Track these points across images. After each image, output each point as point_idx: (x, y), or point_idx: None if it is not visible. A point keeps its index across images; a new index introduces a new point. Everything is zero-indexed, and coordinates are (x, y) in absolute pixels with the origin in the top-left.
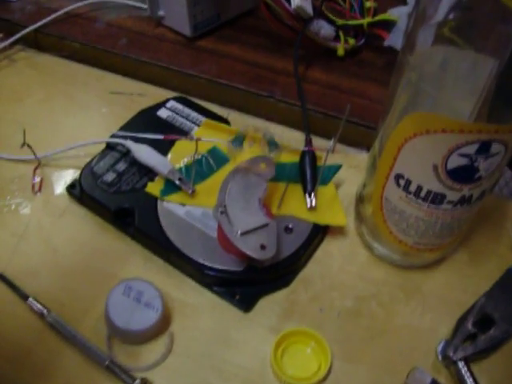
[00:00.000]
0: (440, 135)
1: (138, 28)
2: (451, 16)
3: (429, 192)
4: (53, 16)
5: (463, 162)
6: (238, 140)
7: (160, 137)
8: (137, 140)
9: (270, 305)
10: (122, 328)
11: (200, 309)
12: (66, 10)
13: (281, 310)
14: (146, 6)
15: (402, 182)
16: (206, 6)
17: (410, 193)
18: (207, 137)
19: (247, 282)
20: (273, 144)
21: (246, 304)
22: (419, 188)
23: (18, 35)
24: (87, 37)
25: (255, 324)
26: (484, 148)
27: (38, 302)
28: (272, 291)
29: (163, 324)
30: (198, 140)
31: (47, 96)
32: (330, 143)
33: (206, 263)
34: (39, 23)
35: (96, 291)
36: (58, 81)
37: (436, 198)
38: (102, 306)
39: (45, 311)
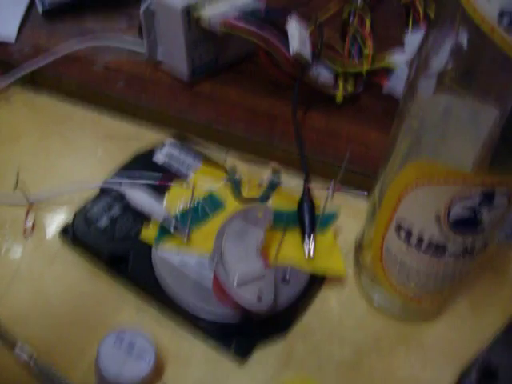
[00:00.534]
0: (442, 185)
1: (136, 71)
2: (453, 65)
3: (430, 243)
4: (51, 58)
5: (466, 213)
6: (235, 184)
7: (155, 183)
8: (131, 185)
9: (266, 356)
10: (113, 380)
11: (194, 359)
12: (63, 51)
13: (277, 362)
14: (143, 50)
15: (402, 233)
16: (204, 50)
17: (411, 244)
18: (203, 182)
19: (243, 333)
20: (270, 188)
21: (242, 355)
22: (421, 239)
23: (15, 76)
24: (85, 79)
25: (251, 376)
26: (487, 199)
27: (25, 348)
28: (269, 343)
29: (155, 375)
30: (193, 187)
31: (43, 137)
32: (329, 191)
33: (201, 314)
34: (37, 65)
35: (86, 340)
36: (54, 122)
37: (438, 250)
38: (91, 355)
39: (32, 359)
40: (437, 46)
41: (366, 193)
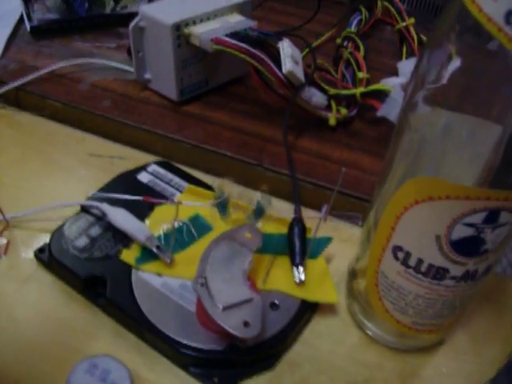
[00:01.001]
0: (444, 202)
1: (123, 90)
2: (451, 81)
3: (430, 266)
4: (36, 74)
5: (469, 232)
6: (222, 205)
7: (139, 198)
8: (114, 203)
9: None
10: None
11: None
12: (50, 69)
13: None
14: (132, 69)
15: (400, 255)
16: (194, 70)
17: (409, 267)
18: (190, 202)
19: (227, 364)
20: (259, 211)
21: None
22: (420, 261)
23: None
24: (70, 97)
25: None
26: (492, 217)
27: None
28: (255, 374)
29: None
30: (179, 203)
31: (24, 155)
32: (322, 212)
33: (183, 340)
34: (21, 81)
35: (57, 368)
36: (37, 140)
37: (438, 273)
38: None
39: None
40: (434, 62)
41: (360, 219)
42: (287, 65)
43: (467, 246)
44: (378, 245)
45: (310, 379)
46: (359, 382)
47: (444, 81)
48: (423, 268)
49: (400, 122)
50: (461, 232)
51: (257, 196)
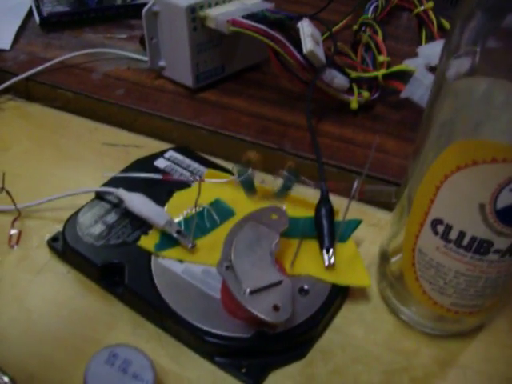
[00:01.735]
0: (489, 166)
1: (137, 79)
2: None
3: (473, 239)
4: (46, 65)
5: None
6: (248, 181)
7: (158, 177)
8: (130, 189)
9: (282, 379)
10: None
11: (199, 383)
12: (60, 58)
13: None
14: (146, 58)
15: (440, 229)
16: (210, 55)
17: (449, 241)
18: (210, 187)
19: (256, 352)
20: (287, 185)
21: (255, 378)
22: (461, 234)
23: (8, 83)
24: (82, 87)
25: None
26: None
27: (2, 373)
28: (285, 363)
29: None
30: (201, 181)
31: (35, 146)
32: (353, 187)
33: (207, 329)
34: (31, 71)
35: (74, 360)
36: (49, 131)
37: (481, 247)
38: (79, 377)
39: (8, 383)
40: (467, 28)
41: (392, 195)
42: (308, 44)
43: None
44: (414, 220)
45: (344, 368)
46: (397, 370)
47: (479, 47)
48: (465, 241)
49: (437, 86)
50: (507, 199)
51: (284, 172)
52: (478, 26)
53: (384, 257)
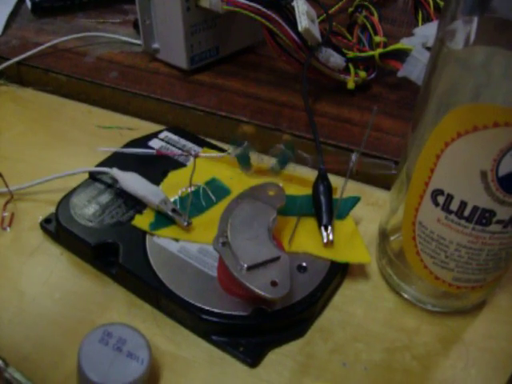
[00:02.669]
0: (491, 131)
1: (131, 62)
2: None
3: (475, 209)
4: (38, 48)
5: None
6: (244, 155)
7: (152, 152)
8: (124, 169)
9: (281, 358)
10: (98, 383)
11: (196, 363)
12: (52, 42)
13: (295, 365)
14: (139, 42)
15: (440, 200)
16: (204, 37)
17: (450, 212)
18: (205, 165)
19: (254, 330)
20: (284, 159)
21: (253, 357)
22: (463, 204)
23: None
24: (74, 70)
25: (263, 382)
26: None
27: None
28: (284, 342)
29: (149, 381)
30: (196, 156)
31: (28, 130)
32: (352, 159)
33: (204, 306)
34: (23, 55)
35: (68, 342)
36: (42, 115)
37: (483, 217)
38: (74, 359)
39: (2, 367)
40: None
41: (391, 168)
42: (303, 22)
43: None
44: (414, 193)
45: (344, 347)
46: (398, 347)
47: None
48: (466, 212)
49: (436, 52)
50: (510, 165)
51: (280, 146)
52: None
53: (383, 234)
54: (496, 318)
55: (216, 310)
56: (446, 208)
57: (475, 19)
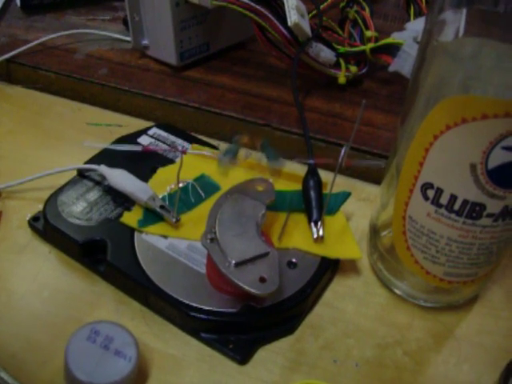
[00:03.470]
0: (480, 123)
1: (120, 59)
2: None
3: (465, 202)
4: (27, 46)
5: (508, 157)
6: (231, 152)
7: (138, 148)
8: (112, 166)
9: (271, 355)
10: (85, 381)
11: (184, 361)
12: (41, 40)
13: (285, 362)
14: (129, 38)
15: (430, 193)
16: (194, 33)
17: (440, 206)
18: (194, 162)
19: (243, 327)
20: (272, 156)
21: (242, 354)
22: (452, 198)
23: None
24: (64, 67)
25: (253, 379)
26: None
27: None
28: (274, 339)
29: (137, 379)
30: (183, 153)
31: (17, 127)
32: (341, 153)
33: (193, 304)
34: (12, 52)
35: (56, 340)
36: (31, 112)
37: (473, 211)
38: (61, 357)
39: None
40: None
41: (382, 162)
42: (292, 17)
43: (506, 175)
44: (404, 187)
45: (335, 343)
46: (390, 343)
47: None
48: (457, 206)
49: (424, 45)
50: (499, 158)
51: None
52: None
53: (374, 230)
54: (488, 312)
55: (205, 307)
56: (435, 202)
57: (464, 11)
